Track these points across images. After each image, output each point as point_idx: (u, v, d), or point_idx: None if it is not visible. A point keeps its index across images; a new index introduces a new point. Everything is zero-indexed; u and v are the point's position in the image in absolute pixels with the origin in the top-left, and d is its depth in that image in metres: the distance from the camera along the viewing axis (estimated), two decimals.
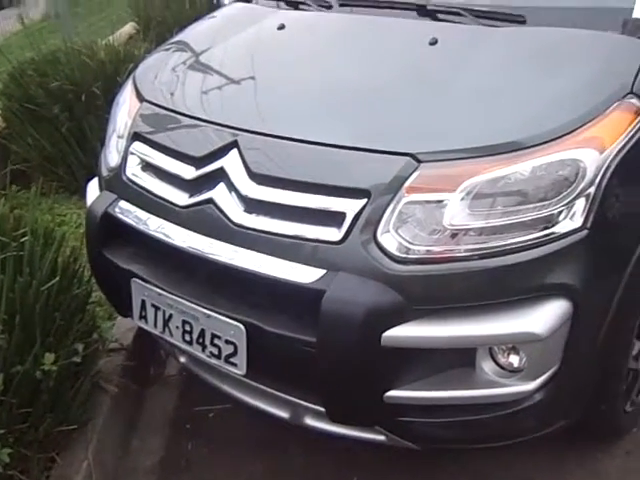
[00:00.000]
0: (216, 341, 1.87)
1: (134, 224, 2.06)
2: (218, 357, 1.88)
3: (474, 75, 1.92)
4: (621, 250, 1.83)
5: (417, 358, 1.74)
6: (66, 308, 2.15)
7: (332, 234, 1.73)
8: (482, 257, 1.68)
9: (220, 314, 1.83)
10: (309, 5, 2.47)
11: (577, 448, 2.16)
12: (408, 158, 1.73)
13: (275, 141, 1.90)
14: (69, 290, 2.21)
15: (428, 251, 1.69)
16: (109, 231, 2.13)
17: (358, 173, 1.77)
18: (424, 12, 2.20)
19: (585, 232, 1.71)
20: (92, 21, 7.48)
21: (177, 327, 1.95)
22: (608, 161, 1.74)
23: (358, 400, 1.78)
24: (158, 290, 1.96)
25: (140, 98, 2.31)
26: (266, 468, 2.20)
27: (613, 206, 1.75)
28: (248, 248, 1.82)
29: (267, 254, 1.79)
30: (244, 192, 1.86)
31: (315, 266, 1.73)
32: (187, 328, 1.92)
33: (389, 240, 1.70)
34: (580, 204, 1.70)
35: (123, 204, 2.13)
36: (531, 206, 1.68)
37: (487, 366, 1.75)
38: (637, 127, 1.81)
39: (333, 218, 1.74)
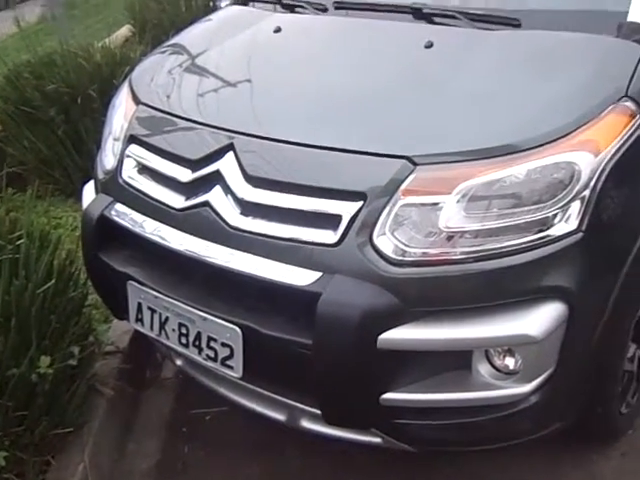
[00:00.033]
0: (212, 344, 1.87)
1: (130, 227, 2.06)
2: (214, 360, 1.88)
3: (469, 78, 1.93)
4: (616, 253, 1.84)
5: (413, 360, 1.74)
6: (62, 311, 2.15)
7: (328, 237, 1.73)
8: (478, 259, 1.68)
9: (216, 317, 1.84)
10: (305, 8, 2.47)
11: (573, 450, 2.17)
12: (404, 161, 1.73)
13: (271, 144, 1.90)
14: (65, 293, 2.21)
15: (424, 253, 1.70)
16: (105, 234, 2.13)
17: (354, 176, 1.77)
18: (420, 15, 2.20)
19: (580, 235, 1.71)
20: (88, 23, 7.49)
21: (173, 330, 1.95)
22: (603, 164, 1.74)
23: (354, 402, 1.78)
24: (154, 293, 1.96)
25: (136, 101, 2.31)
26: (263, 471, 2.20)
27: (608, 209, 1.76)
28: (244, 251, 1.82)
29: (263, 257, 1.79)
30: (240, 195, 1.86)
31: (311, 269, 1.73)
32: (183, 331, 1.92)
33: (385, 243, 1.70)
34: (575, 207, 1.71)
35: (119, 207, 2.13)
36: (526, 209, 1.68)
37: (483, 368, 1.76)
38: (632, 130, 1.81)
39: (329, 221, 1.74)
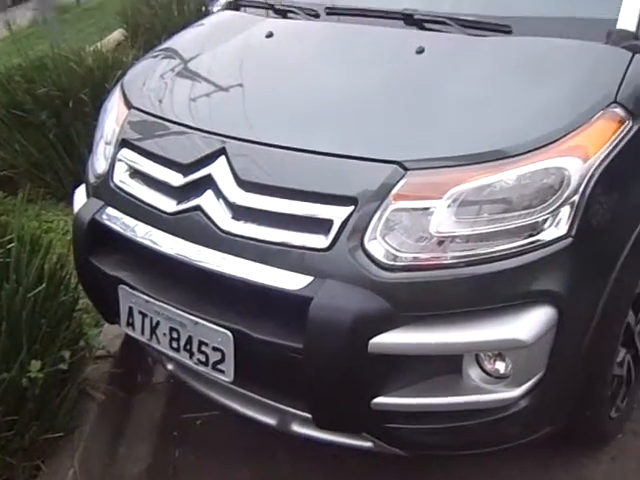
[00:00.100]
0: (203, 348, 1.87)
1: (121, 231, 2.06)
2: (205, 364, 1.88)
3: (460, 84, 1.94)
4: (605, 257, 1.85)
5: (404, 365, 1.75)
6: (53, 315, 2.14)
7: (319, 241, 1.74)
8: (468, 264, 1.69)
9: (207, 321, 1.84)
10: (297, 14, 2.48)
11: (563, 454, 2.18)
12: (395, 166, 1.74)
13: (263, 148, 1.91)
14: (56, 297, 2.21)
15: (415, 258, 1.71)
16: (96, 238, 2.13)
17: (345, 181, 1.78)
18: (411, 21, 2.21)
19: (570, 239, 1.72)
20: (80, 27, 7.49)
21: (164, 334, 1.95)
22: (592, 170, 1.75)
23: (345, 407, 1.78)
24: (145, 297, 1.96)
25: (128, 105, 2.31)
26: (254, 475, 2.20)
27: (597, 214, 1.77)
28: (236, 255, 1.82)
29: (255, 261, 1.80)
30: (232, 199, 1.87)
31: (303, 273, 1.73)
32: (174, 335, 1.92)
33: (376, 247, 1.71)
34: (565, 212, 1.72)
35: (110, 211, 2.12)
36: (516, 214, 1.69)
37: (473, 373, 1.76)
38: (621, 136, 1.83)
39: (320, 225, 1.75)
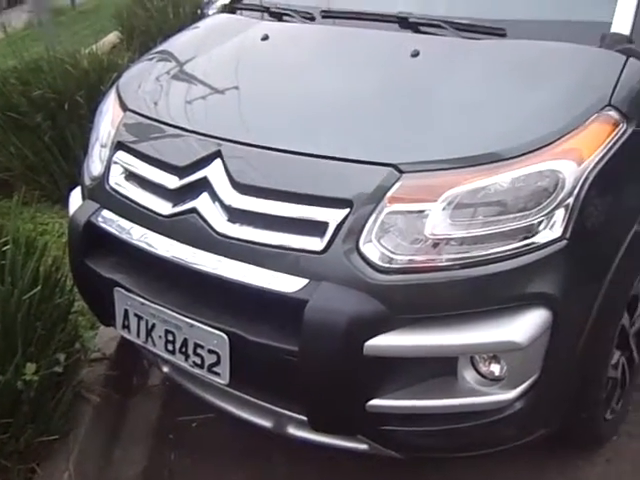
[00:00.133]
0: (199, 350, 1.87)
1: (117, 233, 2.06)
2: (201, 367, 1.88)
3: (455, 87, 1.95)
4: (600, 259, 1.85)
5: (399, 367, 1.75)
6: (48, 317, 2.14)
7: (315, 244, 1.74)
8: (463, 267, 1.69)
9: (203, 323, 1.84)
10: (292, 17, 2.48)
11: (558, 456, 2.18)
12: (390, 169, 1.74)
13: (258, 151, 1.91)
14: (51, 299, 2.20)
15: (410, 260, 1.71)
16: (92, 240, 2.12)
17: (341, 183, 1.78)
18: (406, 24, 2.22)
19: (564, 242, 1.73)
20: (75, 30, 7.49)
21: (160, 336, 1.95)
22: (586, 172, 1.76)
23: (340, 409, 1.79)
24: (141, 299, 1.96)
25: (123, 107, 2.31)
26: (249, 478, 2.19)
27: (592, 216, 1.78)
28: (231, 258, 1.82)
29: (250, 264, 1.80)
30: (227, 202, 1.87)
31: (298, 276, 1.73)
32: (170, 338, 1.92)
33: (371, 250, 1.71)
34: (559, 214, 1.73)
35: (106, 213, 2.12)
36: (511, 216, 1.70)
37: (468, 375, 1.77)
38: (615, 139, 1.84)
39: (316, 228, 1.75)
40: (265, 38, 2.38)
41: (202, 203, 1.90)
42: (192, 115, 2.17)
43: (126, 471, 2.25)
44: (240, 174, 1.88)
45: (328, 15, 2.42)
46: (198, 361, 1.88)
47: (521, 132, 1.79)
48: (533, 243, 1.71)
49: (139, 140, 2.19)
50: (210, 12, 2.98)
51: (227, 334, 1.80)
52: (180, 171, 1.98)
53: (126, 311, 2.02)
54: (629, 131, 1.87)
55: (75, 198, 2.35)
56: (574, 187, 1.74)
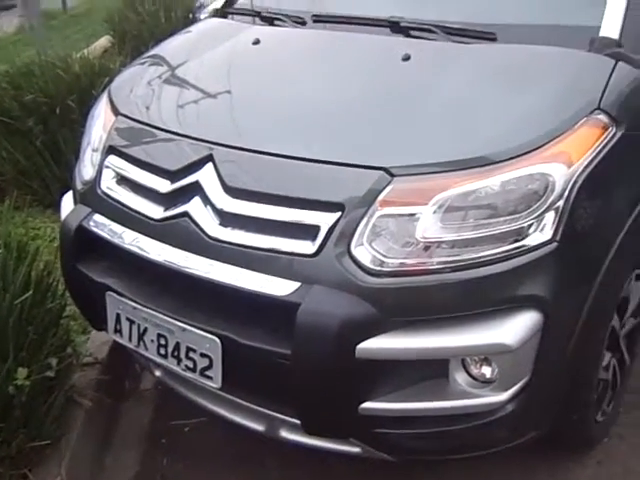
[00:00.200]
0: (191, 354, 1.87)
1: (109, 237, 2.06)
2: (193, 370, 1.88)
3: (446, 91, 1.96)
4: (590, 262, 1.87)
5: (391, 370, 1.75)
6: (40, 322, 2.13)
7: (306, 247, 1.75)
8: (454, 269, 1.70)
9: (195, 327, 1.84)
10: (284, 21, 2.49)
11: (549, 458, 2.19)
12: (381, 172, 1.75)
13: (250, 155, 1.91)
14: (43, 304, 2.20)
15: (401, 264, 1.71)
16: (83, 244, 2.12)
17: (332, 187, 1.79)
18: (397, 29, 2.23)
19: (555, 244, 1.74)
20: (67, 34, 7.48)
21: (152, 341, 1.95)
22: (576, 175, 1.77)
23: (333, 412, 1.79)
24: (133, 304, 1.96)
25: (115, 112, 2.31)
26: None
27: (581, 219, 1.79)
28: (223, 261, 1.83)
29: (242, 267, 1.80)
30: (219, 205, 1.87)
31: (290, 279, 1.74)
32: (162, 342, 1.92)
33: (363, 253, 1.72)
34: (549, 217, 1.74)
35: (98, 217, 2.12)
36: (502, 219, 1.71)
37: (460, 377, 1.77)
38: (604, 142, 1.85)
39: (307, 231, 1.76)
40: (257, 42, 2.39)
41: (194, 207, 1.90)
42: (184, 119, 2.17)
43: (118, 476, 2.24)
44: (232, 178, 1.89)
45: (319, 20, 2.43)
46: (190, 365, 1.88)
47: (511, 135, 1.80)
48: (524, 246, 1.72)
49: (131, 144, 2.19)
50: (202, 16, 2.98)
51: (219, 338, 1.80)
52: (172, 175, 1.98)
53: (118, 315, 2.02)
54: (618, 134, 1.89)
55: (67, 202, 2.35)
56: (564, 190, 1.75)
